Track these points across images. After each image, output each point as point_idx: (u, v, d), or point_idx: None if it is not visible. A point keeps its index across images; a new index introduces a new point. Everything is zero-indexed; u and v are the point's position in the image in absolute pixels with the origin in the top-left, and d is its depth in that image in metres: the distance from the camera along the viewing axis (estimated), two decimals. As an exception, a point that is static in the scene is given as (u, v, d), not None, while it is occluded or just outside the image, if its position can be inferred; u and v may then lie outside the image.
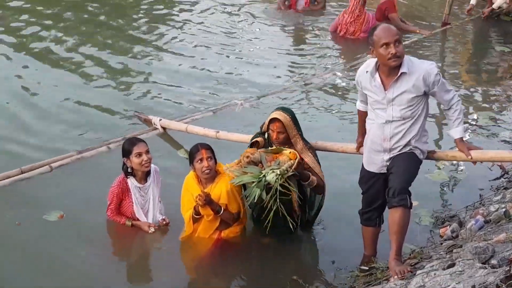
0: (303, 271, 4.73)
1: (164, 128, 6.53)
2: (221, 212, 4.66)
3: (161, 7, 10.73)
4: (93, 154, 6.01)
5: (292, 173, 4.50)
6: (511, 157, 4.50)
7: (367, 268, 4.56)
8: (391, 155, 4.36)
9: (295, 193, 4.55)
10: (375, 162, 4.43)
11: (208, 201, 4.58)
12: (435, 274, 3.69)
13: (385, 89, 4.20)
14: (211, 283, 4.67)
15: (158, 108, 7.20)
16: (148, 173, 4.92)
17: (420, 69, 4.16)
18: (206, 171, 4.65)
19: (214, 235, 4.81)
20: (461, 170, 6.05)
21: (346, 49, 9.31)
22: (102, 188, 5.11)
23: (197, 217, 4.73)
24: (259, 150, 4.74)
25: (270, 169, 4.44)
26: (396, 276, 3.99)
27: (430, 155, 4.51)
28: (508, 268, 3.34)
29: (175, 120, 6.66)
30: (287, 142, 4.83)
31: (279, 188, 4.39)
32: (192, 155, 4.71)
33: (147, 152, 4.79)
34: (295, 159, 4.58)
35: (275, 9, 10.46)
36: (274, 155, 4.64)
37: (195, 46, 9.12)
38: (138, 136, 6.22)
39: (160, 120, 6.54)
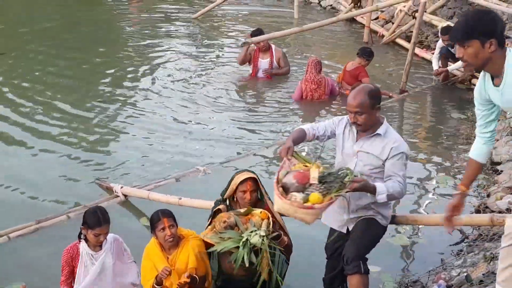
0: None
1: (125, 196, 6.48)
2: (197, 281, 4.58)
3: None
4: (52, 223, 5.91)
5: (275, 233, 4.51)
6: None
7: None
8: (351, 216, 4.40)
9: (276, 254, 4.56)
10: (336, 218, 4.47)
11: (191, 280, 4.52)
12: None
13: (356, 140, 4.34)
14: None
15: (120, 175, 7.18)
16: None
17: (392, 140, 4.28)
18: (169, 239, 4.60)
19: None
20: (422, 234, 6.09)
21: (312, 110, 9.63)
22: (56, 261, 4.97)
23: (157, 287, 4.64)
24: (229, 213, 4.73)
25: (251, 231, 4.41)
26: None
27: (393, 220, 4.58)
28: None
29: (137, 187, 6.62)
30: (257, 203, 4.84)
31: (268, 249, 4.40)
32: (153, 224, 4.65)
33: (106, 233, 4.65)
34: (268, 219, 4.59)
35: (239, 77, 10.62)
36: (245, 217, 4.63)
37: (154, 112, 9.20)
38: (100, 204, 6.17)
39: (122, 187, 6.50)
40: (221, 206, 4.91)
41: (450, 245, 5.93)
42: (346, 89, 9.52)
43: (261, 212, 4.64)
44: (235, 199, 4.94)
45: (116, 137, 8.31)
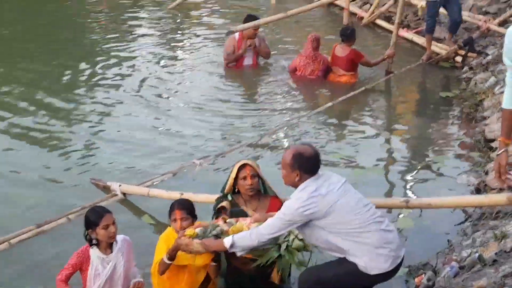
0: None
1: (124, 194, 6.37)
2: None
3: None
4: (53, 226, 5.79)
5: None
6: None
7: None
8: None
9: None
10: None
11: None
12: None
13: None
14: None
15: (114, 173, 7.05)
16: (111, 244, 4.74)
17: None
18: (180, 231, 4.58)
19: None
20: (425, 216, 6.09)
21: (305, 91, 9.69)
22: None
23: (167, 263, 4.55)
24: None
25: (284, 237, 4.36)
26: None
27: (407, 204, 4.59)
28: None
29: (135, 185, 6.52)
30: (260, 195, 4.81)
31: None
32: (169, 213, 4.69)
33: (114, 222, 4.60)
34: None
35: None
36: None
37: (145, 106, 9.05)
38: (99, 204, 6.07)
39: (120, 185, 6.39)
40: (224, 203, 4.85)
41: (455, 225, 5.96)
42: (339, 74, 9.55)
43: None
44: (236, 191, 4.88)
45: (104, 136, 8.13)
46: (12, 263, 5.33)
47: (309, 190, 4.09)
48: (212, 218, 4.91)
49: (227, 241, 4.18)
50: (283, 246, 4.33)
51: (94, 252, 4.62)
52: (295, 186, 4.23)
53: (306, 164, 4.19)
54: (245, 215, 4.75)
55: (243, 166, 4.78)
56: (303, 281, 4.16)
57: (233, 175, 4.81)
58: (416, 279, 5.05)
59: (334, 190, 4.14)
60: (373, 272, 4.06)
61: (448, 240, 5.68)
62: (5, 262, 5.29)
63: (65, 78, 10.19)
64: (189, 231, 4.43)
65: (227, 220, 4.55)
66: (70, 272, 4.64)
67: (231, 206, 4.84)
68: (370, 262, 4.03)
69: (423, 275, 5.02)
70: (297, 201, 4.07)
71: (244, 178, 4.74)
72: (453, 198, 4.86)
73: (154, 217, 6.20)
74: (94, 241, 4.59)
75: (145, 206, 6.33)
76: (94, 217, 4.56)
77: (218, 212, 4.86)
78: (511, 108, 3.63)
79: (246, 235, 4.18)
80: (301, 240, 4.36)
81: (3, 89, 9.58)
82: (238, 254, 4.26)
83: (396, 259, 4.15)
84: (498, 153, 3.67)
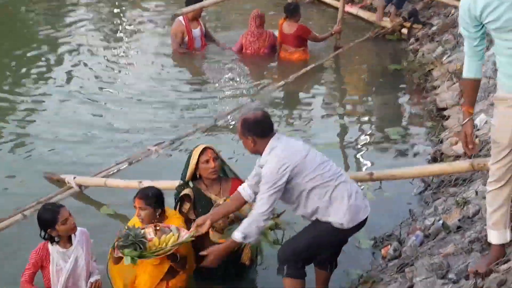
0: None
1: (80, 186, 6.19)
2: (178, 259, 4.46)
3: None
4: (8, 224, 5.57)
5: None
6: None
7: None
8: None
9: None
10: None
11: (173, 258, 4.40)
12: (399, 297, 3.69)
13: None
14: None
15: (64, 168, 6.78)
16: (70, 236, 4.57)
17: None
18: (139, 219, 4.53)
19: (161, 286, 4.55)
20: (385, 187, 6.13)
21: (256, 71, 9.57)
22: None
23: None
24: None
25: None
26: None
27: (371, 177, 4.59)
28: (475, 280, 3.39)
29: (90, 176, 6.34)
30: (221, 179, 4.74)
31: None
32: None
33: (70, 214, 4.44)
34: None
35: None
36: None
37: (87, 99, 8.65)
38: (53, 198, 5.90)
39: (75, 178, 6.19)
40: (187, 191, 4.73)
41: (415, 195, 6.02)
42: (290, 51, 9.47)
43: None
44: (198, 176, 4.79)
45: (50, 127, 7.80)
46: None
47: (277, 150, 4.08)
48: (176, 208, 4.80)
49: (237, 236, 4.12)
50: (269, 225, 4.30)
51: (53, 248, 4.48)
52: (259, 152, 4.18)
53: (256, 128, 4.16)
54: (209, 200, 4.67)
55: (204, 150, 4.69)
56: (281, 257, 4.13)
57: (194, 160, 4.70)
58: (382, 251, 5.10)
59: (300, 146, 4.19)
60: (350, 225, 4.08)
61: (409, 210, 5.74)
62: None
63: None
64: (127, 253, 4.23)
65: (159, 228, 4.40)
66: (32, 271, 4.51)
67: (193, 193, 4.74)
68: (346, 216, 4.04)
69: (389, 246, 5.07)
70: (271, 164, 4.03)
71: (207, 161, 4.65)
72: (416, 168, 4.90)
73: (112, 208, 6.02)
74: (56, 239, 4.45)
75: (102, 197, 6.14)
76: (50, 216, 4.40)
77: (181, 200, 4.76)
78: (471, 77, 3.64)
79: (248, 222, 4.10)
80: (271, 218, 4.33)
81: None
82: (254, 241, 4.19)
83: (366, 208, 4.20)
84: (463, 122, 3.69)
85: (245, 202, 4.39)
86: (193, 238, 4.33)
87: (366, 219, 4.21)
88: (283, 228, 4.52)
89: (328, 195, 4.05)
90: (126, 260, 4.22)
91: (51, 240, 4.47)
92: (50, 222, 4.38)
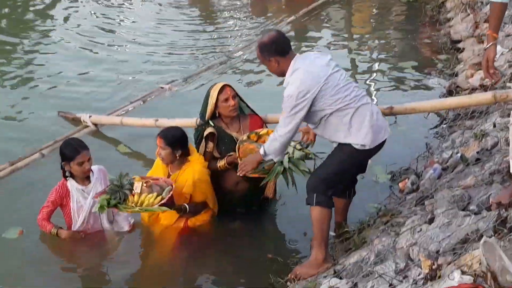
0: (279, 247, 4.66)
1: (95, 125, 6.20)
2: (187, 210, 4.51)
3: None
4: (27, 163, 5.63)
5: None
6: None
7: (334, 234, 4.57)
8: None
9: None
10: None
11: (168, 205, 4.38)
12: (421, 229, 3.71)
13: None
14: (184, 277, 4.50)
15: (81, 104, 6.83)
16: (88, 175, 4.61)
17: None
18: (159, 158, 4.56)
19: (179, 223, 4.63)
20: (401, 122, 6.11)
21: (263, 7, 9.46)
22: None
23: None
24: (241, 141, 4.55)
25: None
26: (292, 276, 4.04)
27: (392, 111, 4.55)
28: (498, 211, 3.41)
29: (105, 114, 6.34)
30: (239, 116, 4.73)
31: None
32: None
33: (90, 159, 4.47)
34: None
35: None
36: (261, 141, 4.51)
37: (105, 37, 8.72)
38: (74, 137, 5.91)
39: (90, 116, 6.20)
40: (210, 129, 4.69)
41: (431, 129, 6.01)
42: None
43: (267, 131, 4.55)
44: (217, 115, 4.75)
45: (62, 72, 7.80)
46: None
47: (298, 73, 4.00)
48: (198, 145, 4.78)
49: (261, 151, 4.13)
50: (286, 160, 4.29)
51: (73, 185, 4.53)
52: (284, 72, 4.11)
53: (275, 47, 4.07)
54: (231, 138, 4.67)
55: (222, 88, 4.64)
56: (310, 186, 4.11)
57: (213, 99, 4.65)
58: (400, 184, 5.11)
59: (323, 69, 4.04)
60: (372, 145, 4.07)
61: (426, 144, 5.73)
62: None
63: None
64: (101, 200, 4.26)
65: (149, 184, 4.37)
66: (51, 209, 4.57)
67: (216, 132, 4.72)
68: (368, 136, 4.03)
69: (406, 179, 5.08)
70: (291, 89, 3.97)
71: (226, 100, 4.60)
72: (436, 101, 4.87)
73: (128, 146, 6.04)
74: (67, 174, 4.49)
75: (119, 135, 6.16)
76: (69, 152, 4.44)
77: (206, 139, 4.74)
78: (499, 1, 3.56)
79: (271, 140, 4.09)
80: (300, 149, 4.35)
81: None
82: (275, 159, 4.16)
83: (386, 128, 4.19)
84: (486, 47, 3.63)
85: None
86: (162, 210, 4.31)
87: (385, 141, 4.21)
88: (314, 158, 4.51)
89: (348, 117, 4.01)
90: (95, 206, 4.27)
91: (64, 173, 4.52)
92: (68, 157, 4.44)
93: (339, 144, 4.12)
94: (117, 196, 4.25)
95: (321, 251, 4.04)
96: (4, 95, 7.20)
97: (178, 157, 4.53)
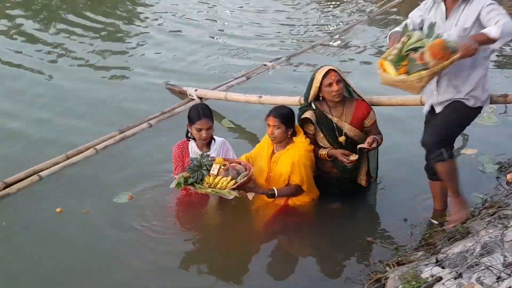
0: (378, 231, 4.60)
1: (200, 98, 6.33)
2: (275, 195, 4.53)
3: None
4: (135, 131, 5.84)
5: None
6: None
7: (436, 222, 4.49)
8: (439, 100, 4.20)
9: None
10: (430, 97, 4.29)
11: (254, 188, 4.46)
12: (532, 223, 3.58)
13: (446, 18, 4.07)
14: (285, 250, 4.54)
15: (185, 78, 7.02)
16: (210, 143, 4.71)
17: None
18: (271, 138, 4.55)
19: (280, 200, 4.64)
20: (511, 112, 5.89)
21: None
22: (150, 164, 5.06)
23: None
24: None
25: None
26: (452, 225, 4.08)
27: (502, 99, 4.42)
28: None
29: (209, 89, 6.47)
30: (345, 99, 4.68)
31: None
32: (265, 117, 4.58)
33: (208, 129, 4.55)
34: None
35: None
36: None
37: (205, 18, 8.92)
38: (176, 109, 6.09)
39: (196, 90, 6.34)
40: (308, 114, 4.66)
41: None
42: None
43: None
44: (320, 98, 4.71)
45: (172, 48, 8.07)
46: (100, 167, 5.38)
47: None
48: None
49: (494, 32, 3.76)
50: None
51: (192, 147, 4.66)
52: None
53: None
54: (331, 123, 4.67)
55: (327, 73, 4.58)
56: (435, 142, 4.06)
57: (317, 83, 4.60)
58: (508, 176, 4.92)
59: None
60: (484, 104, 4.20)
61: (539, 135, 5.50)
62: (94, 167, 5.34)
63: None
64: (179, 178, 4.30)
65: (226, 167, 4.34)
66: (180, 165, 4.65)
67: (316, 116, 4.70)
68: (485, 94, 4.14)
69: (515, 171, 4.90)
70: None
71: (330, 84, 4.53)
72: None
73: (232, 121, 6.15)
74: (189, 135, 4.63)
75: (223, 110, 6.26)
76: (193, 115, 4.57)
77: (303, 122, 4.74)
78: None
79: (503, 24, 3.78)
80: None
81: None
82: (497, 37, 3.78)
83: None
84: None
85: None
86: (233, 196, 4.27)
87: None
88: None
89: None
90: (173, 183, 4.32)
91: (187, 133, 4.66)
92: (190, 119, 4.57)
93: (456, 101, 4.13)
94: (195, 175, 4.31)
95: (462, 199, 4.22)
96: (111, 68, 7.53)
97: (289, 136, 4.55)
